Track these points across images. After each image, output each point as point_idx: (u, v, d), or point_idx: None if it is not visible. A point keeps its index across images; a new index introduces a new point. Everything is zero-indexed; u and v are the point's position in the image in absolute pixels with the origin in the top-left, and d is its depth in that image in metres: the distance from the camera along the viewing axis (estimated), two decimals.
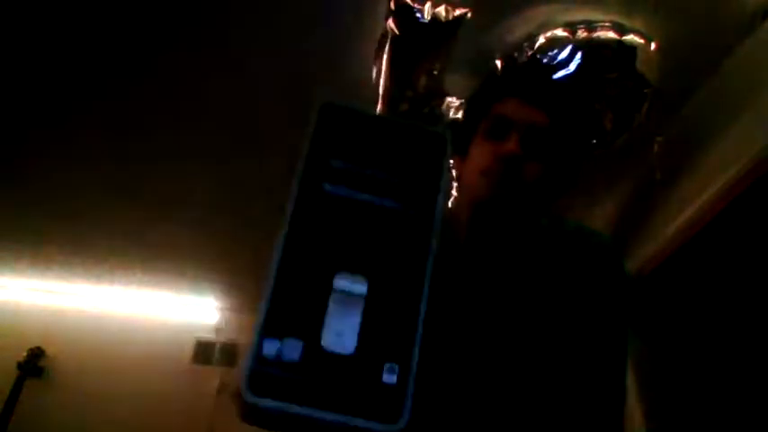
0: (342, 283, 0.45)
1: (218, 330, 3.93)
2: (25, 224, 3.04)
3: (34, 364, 3.52)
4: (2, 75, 2.06)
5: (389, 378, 0.42)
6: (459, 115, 1.87)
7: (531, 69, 1.01)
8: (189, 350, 3.85)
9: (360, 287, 0.45)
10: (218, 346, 3.90)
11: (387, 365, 0.43)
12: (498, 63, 1.84)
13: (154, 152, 2.44)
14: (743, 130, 1.87)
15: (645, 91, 1.82)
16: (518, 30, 1.79)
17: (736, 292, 1.92)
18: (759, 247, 1.82)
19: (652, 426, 2.20)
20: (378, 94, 1.85)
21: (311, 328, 0.43)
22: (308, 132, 0.52)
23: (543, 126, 0.86)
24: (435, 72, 1.81)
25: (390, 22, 1.71)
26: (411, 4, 1.69)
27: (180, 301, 3.87)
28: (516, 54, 1.81)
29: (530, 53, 1.78)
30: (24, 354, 3.50)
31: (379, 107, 1.86)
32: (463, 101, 1.87)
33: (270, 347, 0.42)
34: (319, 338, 0.43)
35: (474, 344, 0.80)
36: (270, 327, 0.43)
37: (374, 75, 1.85)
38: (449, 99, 1.90)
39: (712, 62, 1.92)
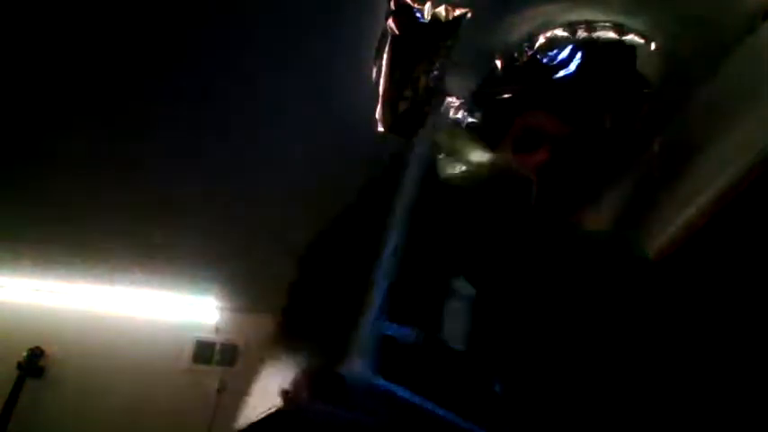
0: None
1: (218, 330, 3.94)
2: (25, 224, 3.04)
3: (34, 364, 3.52)
4: (4, 75, 2.07)
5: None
6: (460, 115, 1.87)
7: (555, 82, 0.98)
8: (189, 350, 3.86)
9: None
10: (218, 346, 3.90)
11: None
12: (498, 63, 1.84)
13: (154, 153, 2.44)
14: (743, 130, 1.87)
15: (645, 91, 1.82)
16: (518, 30, 1.79)
17: (735, 295, 1.92)
18: (759, 248, 1.82)
19: None
20: (378, 93, 1.85)
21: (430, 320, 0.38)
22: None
23: (569, 136, 0.83)
24: (435, 72, 1.81)
25: (390, 22, 1.72)
26: (411, 4, 1.69)
27: (180, 301, 3.87)
28: (516, 54, 1.81)
29: (530, 53, 1.78)
30: (24, 354, 3.50)
31: (379, 107, 1.87)
32: (463, 100, 1.87)
33: (387, 327, 0.37)
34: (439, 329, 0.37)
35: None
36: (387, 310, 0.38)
37: (374, 75, 1.85)
38: (449, 99, 1.90)
39: (712, 62, 1.92)
